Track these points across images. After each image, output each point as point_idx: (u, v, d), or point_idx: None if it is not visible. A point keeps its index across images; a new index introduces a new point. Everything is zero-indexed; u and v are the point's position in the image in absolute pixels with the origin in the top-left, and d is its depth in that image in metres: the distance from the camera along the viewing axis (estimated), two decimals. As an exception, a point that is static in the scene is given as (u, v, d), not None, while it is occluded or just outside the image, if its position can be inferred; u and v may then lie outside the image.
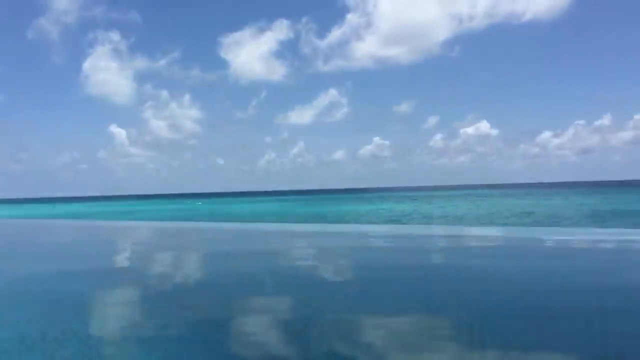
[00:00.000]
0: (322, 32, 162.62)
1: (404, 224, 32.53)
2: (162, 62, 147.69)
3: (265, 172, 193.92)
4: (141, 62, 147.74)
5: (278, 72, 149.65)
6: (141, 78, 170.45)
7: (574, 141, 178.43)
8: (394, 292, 5.82)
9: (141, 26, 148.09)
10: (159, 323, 4.78)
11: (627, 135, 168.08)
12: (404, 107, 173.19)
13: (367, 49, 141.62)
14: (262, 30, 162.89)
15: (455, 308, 5.17)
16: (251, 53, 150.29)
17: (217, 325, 4.78)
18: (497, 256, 8.76)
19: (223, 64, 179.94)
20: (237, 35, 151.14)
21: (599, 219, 36.26)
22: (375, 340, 4.31)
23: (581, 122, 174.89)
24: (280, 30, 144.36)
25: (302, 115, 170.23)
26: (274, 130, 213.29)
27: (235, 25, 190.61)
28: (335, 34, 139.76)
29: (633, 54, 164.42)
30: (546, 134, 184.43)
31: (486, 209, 52.06)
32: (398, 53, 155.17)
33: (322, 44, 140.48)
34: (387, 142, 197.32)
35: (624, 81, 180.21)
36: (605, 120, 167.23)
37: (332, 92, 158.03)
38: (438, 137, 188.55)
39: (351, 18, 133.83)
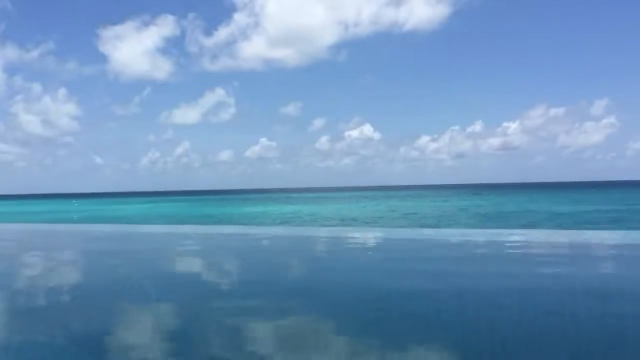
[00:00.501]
0: (209, 30, 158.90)
1: (298, 225, 32.08)
2: (35, 53, 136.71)
3: (148, 172, 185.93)
4: (11, 52, 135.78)
5: (162, 68, 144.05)
6: (11, 69, 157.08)
7: (450, 146, 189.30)
8: (275, 293, 5.64)
9: (12, 13, 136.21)
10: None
11: (496, 141, 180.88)
12: (291, 109, 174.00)
13: (254, 50, 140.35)
14: (145, 25, 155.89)
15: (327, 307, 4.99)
16: (133, 48, 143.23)
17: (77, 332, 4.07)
18: (377, 257, 8.36)
19: (102, 58, 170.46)
20: (118, 28, 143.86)
21: (480, 219, 38.04)
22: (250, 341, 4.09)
23: (456, 127, 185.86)
24: (165, 26, 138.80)
25: (187, 114, 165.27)
26: (158, 129, 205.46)
27: (117, 18, 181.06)
28: (223, 32, 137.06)
29: (502, 66, 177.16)
30: (424, 139, 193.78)
31: (374, 210, 53.14)
32: (286, 55, 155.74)
33: (209, 42, 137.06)
34: (273, 144, 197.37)
35: (494, 90, 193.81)
36: (477, 126, 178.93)
37: (219, 92, 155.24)
38: (324, 139, 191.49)
39: (239, 17, 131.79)
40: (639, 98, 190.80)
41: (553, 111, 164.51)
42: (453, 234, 13.05)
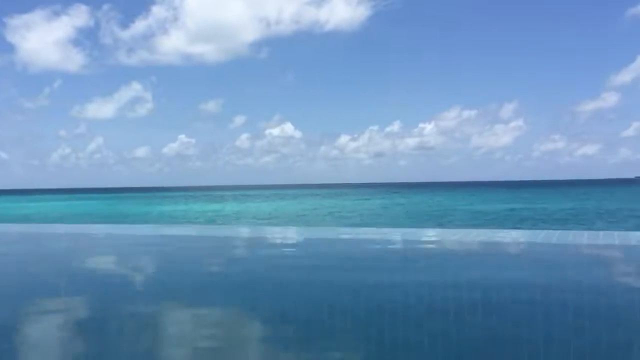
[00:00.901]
0: (126, 23, 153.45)
1: (220, 224, 31.55)
2: None
3: (59, 168, 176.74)
4: None
5: (75, 60, 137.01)
6: None
7: (369, 145, 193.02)
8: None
9: None
10: None
11: (413, 141, 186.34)
12: (211, 106, 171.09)
13: (173, 44, 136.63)
14: (56, 14, 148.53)
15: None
16: (43, 38, 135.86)
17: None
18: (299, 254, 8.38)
19: (9, 48, 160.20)
20: (26, 17, 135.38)
21: (403, 218, 38.99)
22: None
23: (375, 127, 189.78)
24: (77, 16, 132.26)
25: (101, 109, 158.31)
26: (69, 123, 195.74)
27: (25, 6, 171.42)
28: (140, 25, 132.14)
29: (419, 68, 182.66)
30: (344, 138, 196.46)
31: (299, 208, 53.20)
32: (206, 51, 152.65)
33: (125, 34, 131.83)
34: (192, 140, 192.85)
35: (411, 92, 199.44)
36: (395, 126, 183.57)
37: (136, 86, 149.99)
38: (244, 136, 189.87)
39: (157, 11, 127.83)
40: (544, 102, 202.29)
41: (466, 113, 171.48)
42: (381, 232, 13.26)
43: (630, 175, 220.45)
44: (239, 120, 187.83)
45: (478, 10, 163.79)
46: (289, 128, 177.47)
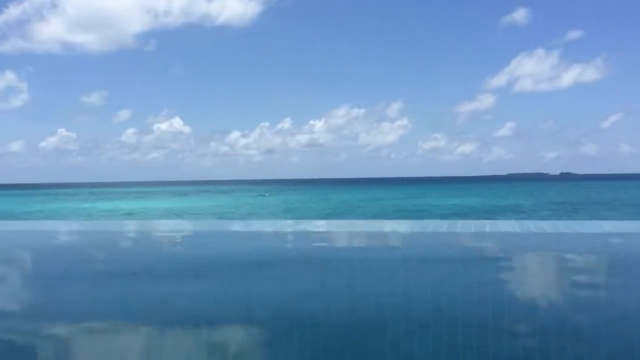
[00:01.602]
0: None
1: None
2: None
3: None
4: None
5: None
6: None
7: (260, 142, 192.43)
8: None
9: None
10: None
11: (303, 138, 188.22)
12: (94, 99, 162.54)
13: (52, 32, 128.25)
14: None
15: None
16: None
17: None
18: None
19: None
20: None
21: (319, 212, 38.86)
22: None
23: (266, 124, 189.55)
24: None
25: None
26: None
27: None
28: (14, 11, 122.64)
29: (309, 66, 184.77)
30: (235, 134, 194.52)
31: (196, 204, 51.51)
32: (88, 40, 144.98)
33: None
34: (73, 135, 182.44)
35: (302, 89, 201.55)
36: (286, 123, 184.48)
37: (9, 75, 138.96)
38: (130, 131, 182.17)
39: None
40: (427, 102, 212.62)
41: (355, 111, 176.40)
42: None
43: (503, 172, 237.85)
44: (125, 114, 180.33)
45: (368, 11, 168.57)
46: (177, 123, 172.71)
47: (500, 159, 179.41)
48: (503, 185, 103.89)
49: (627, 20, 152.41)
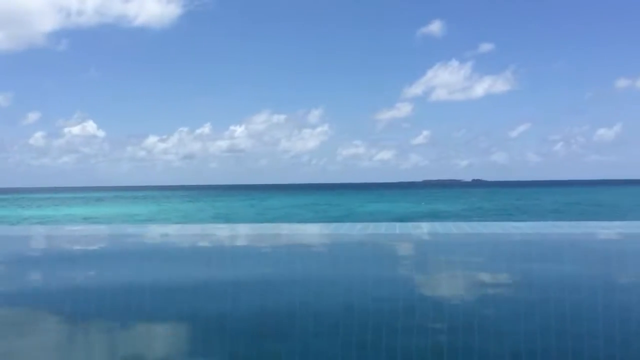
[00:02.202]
0: None
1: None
2: None
3: None
4: None
5: None
6: None
7: (178, 147, 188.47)
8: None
9: None
10: None
11: (223, 144, 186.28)
12: (0, 99, 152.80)
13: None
14: None
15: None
16: None
17: None
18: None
19: None
20: None
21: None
22: None
23: (185, 129, 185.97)
24: None
25: None
26: None
27: None
28: None
29: (229, 71, 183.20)
30: (152, 138, 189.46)
31: (111, 211, 49.80)
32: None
33: None
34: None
35: (222, 94, 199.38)
36: (206, 129, 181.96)
37: None
38: (39, 134, 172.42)
39: None
40: (347, 109, 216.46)
41: (276, 117, 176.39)
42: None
43: (419, 179, 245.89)
44: (33, 116, 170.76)
45: (290, 18, 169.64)
46: (91, 127, 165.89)
47: (416, 165, 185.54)
48: (419, 192, 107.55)
49: (534, 35, 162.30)
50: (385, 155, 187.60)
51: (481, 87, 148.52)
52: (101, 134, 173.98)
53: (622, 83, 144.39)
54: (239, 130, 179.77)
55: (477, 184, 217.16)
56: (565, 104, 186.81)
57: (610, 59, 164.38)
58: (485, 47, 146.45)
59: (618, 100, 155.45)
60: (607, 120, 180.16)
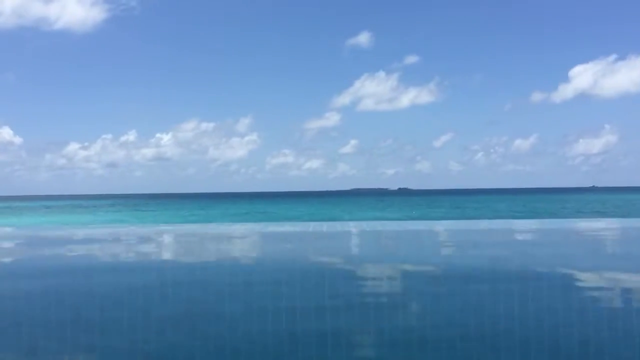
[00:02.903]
0: None
1: None
2: None
3: None
4: None
5: None
6: None
7: (102, 154, 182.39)
8: None
9: None
10: None
11: (149, 151, 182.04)
12: None
13: None
14: None
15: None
16: None
17: None
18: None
19: None
20: None
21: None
22: None
23: (108, 136, 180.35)
24: None
25: None
26: None
27: None
28: None
29: (156, 77, 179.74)
30: (74, 146, 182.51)
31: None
32: None
33: None
34: None
35: (148, 101, 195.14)
36: (131, 136, 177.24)
37: None
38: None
39: None
40: (277, 118, 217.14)
41: (204, 125, 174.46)
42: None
43: (347, 187, 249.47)
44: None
45: (217, 24, 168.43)
46: (7, 133, 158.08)
47: (344, 174, 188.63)
48: (347, 200, 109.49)
49: (457, 48, 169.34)
50: (314, 164, 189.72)
51: (407, 98, 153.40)
52: (18, 140, 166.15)
53: (537, 96, 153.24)
54: (165, 138, 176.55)
55: (403, 192, 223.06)
56: (485, 115, 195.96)
57: (526, 73, 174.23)
58: (411, 59, 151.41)
59: (534, 112, 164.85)
60: (524, 132, 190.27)
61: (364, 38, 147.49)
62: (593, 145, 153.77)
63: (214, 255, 8.95)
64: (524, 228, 13.02)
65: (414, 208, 69.34)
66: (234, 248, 10.03)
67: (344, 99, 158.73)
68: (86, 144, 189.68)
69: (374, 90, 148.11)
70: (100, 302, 5.39)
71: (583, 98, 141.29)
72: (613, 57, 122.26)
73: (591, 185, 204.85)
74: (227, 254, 9.20)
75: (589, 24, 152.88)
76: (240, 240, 11.41)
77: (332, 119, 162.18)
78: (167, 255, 9.41)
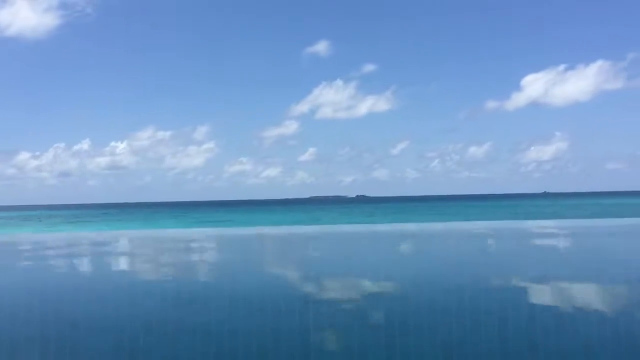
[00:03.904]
0: None
1: None
2: None
3: None
4: None
5: None
6: None
7: (54, 164, 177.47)
8: None
9: None
10: None
11: (104, 160, 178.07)
12: None
13: None
14: None
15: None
16: None
17: None
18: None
19: None
20: None
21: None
22: None
23: (61, 145, 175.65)
24: None
25: None
26: None
27: None
28: None
29: (109, 86, 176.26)
30: (24, 155, 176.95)
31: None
32: None
33: None
34: None
35: (102, 109, 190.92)
36: (85, 145, 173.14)
37: None
38: None
39: None
40: (235, 126, 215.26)
41: (161, 134, 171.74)
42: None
43: (306, 195, 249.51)
44: None
45: (174, 31, 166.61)
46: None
47: (303, 182, 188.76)
48: (307, 207, 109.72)
49: (414, 57, 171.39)
50: (273, 172, 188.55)
51: (365, 106, 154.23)
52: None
53: (491, 105, 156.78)
54: (121, 146, 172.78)
55: (361, 199, 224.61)
56: (441, 123, 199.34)
57: (481, 82, 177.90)
58: (369, 68, 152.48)
59: (488, 120, 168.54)
60: (479, 139, 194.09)
61: (322, 46, 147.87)
62: (544, 152, 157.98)
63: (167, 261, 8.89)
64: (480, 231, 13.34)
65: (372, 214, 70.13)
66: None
67: (303, 107, 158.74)
68: (37, 153, 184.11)
69: (332, 98, 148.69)
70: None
71: (535, 107, 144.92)
72: (563, 67, 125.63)
73: (543, 192, 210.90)
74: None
75: (540, 34, 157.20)
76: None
77: (290, 127, 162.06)
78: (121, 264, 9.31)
